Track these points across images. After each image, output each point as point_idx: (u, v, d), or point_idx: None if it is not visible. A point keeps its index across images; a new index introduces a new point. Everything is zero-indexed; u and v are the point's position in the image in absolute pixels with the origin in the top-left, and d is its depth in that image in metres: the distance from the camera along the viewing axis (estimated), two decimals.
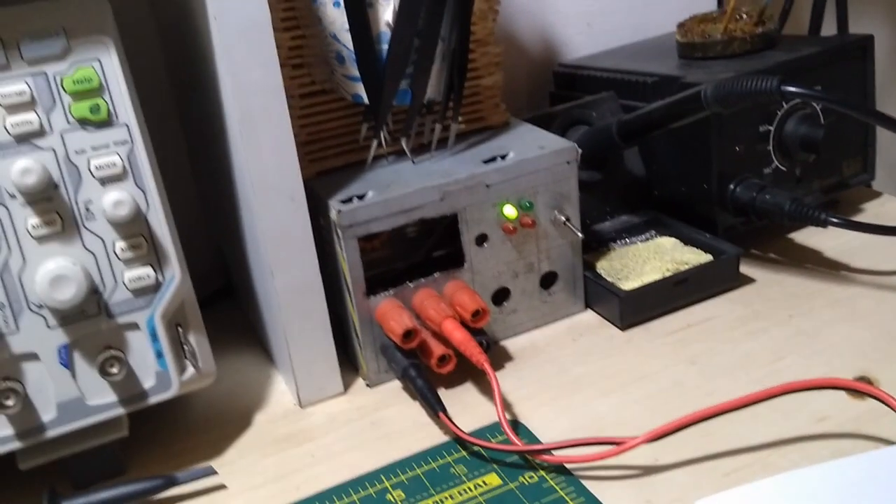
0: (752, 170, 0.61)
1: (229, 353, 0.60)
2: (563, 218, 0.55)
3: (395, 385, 0.54)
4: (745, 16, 0.66)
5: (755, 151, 0.61)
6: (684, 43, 0.67)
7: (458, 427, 0.46)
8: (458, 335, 0.49)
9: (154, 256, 0.44)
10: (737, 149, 0.60)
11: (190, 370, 0.46)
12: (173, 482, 0.45)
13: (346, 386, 0.54)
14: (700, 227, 0.62)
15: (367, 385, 0.54)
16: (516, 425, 0.48)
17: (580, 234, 0.54)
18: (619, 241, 0.63)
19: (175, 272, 0.45)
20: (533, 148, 0.55)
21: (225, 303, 0.67)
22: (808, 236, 0.64)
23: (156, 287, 0.44)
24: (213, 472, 0.46)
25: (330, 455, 0.48)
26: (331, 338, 0.52)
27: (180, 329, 0.46)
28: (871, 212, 0.67)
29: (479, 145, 0.57)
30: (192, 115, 0.60)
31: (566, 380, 0.52)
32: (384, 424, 0.50)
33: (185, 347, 0.46)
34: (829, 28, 0.71)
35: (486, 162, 0.53)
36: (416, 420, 0.50)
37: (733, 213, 0.61)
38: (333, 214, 0.49)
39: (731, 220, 0.62)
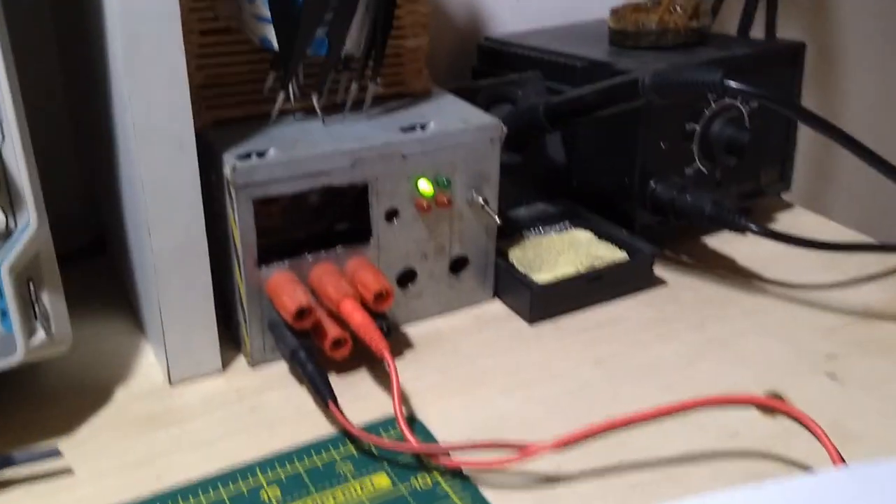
0: (674, 169, 0.59)
1: (94, 317, 0.53)
2: (480, 200, 0.51)
3: (282, 367, 0.49)
4: (679, 9, 0.63)
5: (679, 150, 0.59)
6: (617, 30, 0.64)
7: (347, 419, 0.42)
8: (358, 317, 0.45)
9: (5, 197, 0.37)
10: (662, 145, 0.58)
11: (40, 334, 0.40)
12: (8, 462, 0.38)
13: (226, 364, 0.48)
14: (617, 222, 0.59)
15: (250, 364, 0.48)
16: (413, 421, 0.44)
17: (497, 220, 0.50)
18: (533, 230, 0.60)
19: (30, 218, 0.38)
20: (455, 120, 0.50)
21: (95, 261, 0.59)
22: (723, 242, 0.63)
23: (5, 234, 0.38)
24: (57, 454, 0.39)
25: (199, 442, 0.42)
26: (212, 308, 0.46)
27: (32, 286, 0.39)
28: (785, 222, 0.67)
29: (397, 112, 0.52)
30: (71, 39, 0.53)
31: (469, 373, 0.48)
32: (265, 410, 0.45)
33: (37, 307, 0.39)
34: (755, 31, 0.70)
35: (403, 130, 0.49)
36: (301, 408, 0.45)
37: (651, 212, 0.59)
38: (227, 170, 0.44)
39: (649, 218, 0.59)
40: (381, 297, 0.47)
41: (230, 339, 0.50)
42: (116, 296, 0.55)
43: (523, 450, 0.39)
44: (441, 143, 0.49)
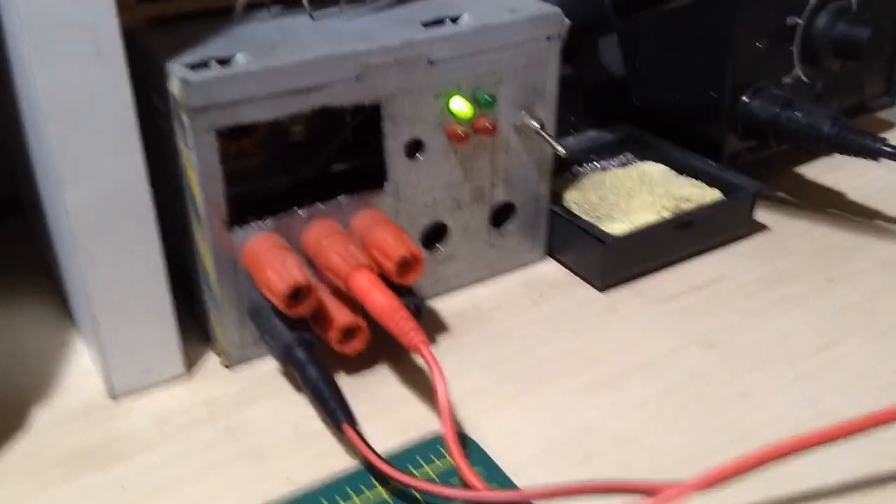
0: (770, 77, 0.45)
1: (6, 303, 0.39)
2: (535, 124, 0.36)
3: (267, 364, 0.35)
4: None
5: (777, 53, 0.45)
6: None
7: (371, 448, 0.28)
8: (378, 297, 0.31)
9: None
10: (758, 46, 0.44)
11: None
12: None
13: (190, 366, 0.34)
14: (696, 150, 0.45)
15: (224, 365, 0.35)
16: (463, 441, 0.30)
17: (561, 150, 0.36)
18: (587, 165, 0.46)
19: None
20: (498, 10, 0.36)
21: (10, 223, 0.45)
22: (821, 171, 0.49)
23: None
24: None
25: (154, 488, 0.29)
26: (164, 288, 0.32)
27: None
28: None
29: (414, 2, 0.37)
30: None
31: (528, 366, 0.35)
32: (249, 434, 0.31)
33: None
34: None
35: (427, 25, 0.34)
36: (300, 427, 0.32)
37: (744, 135, 0.45)
38: (176, 86, 0.29)
39: (739, 143, 0.46)
40: (405, 264, 0.33)
41: (194, 331, 0.36)
42: (38, 270, 0.41)
43: (652, 493, 0.25)
44: (481, 42, 0.34)
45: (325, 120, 0.35)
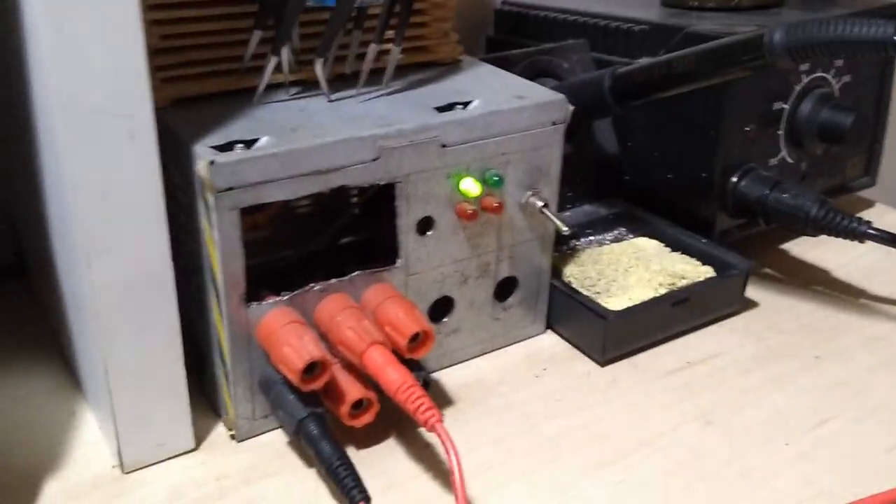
0: (758, 160, 0.47)
1: (10, 368, 0.39)
2: (540, 203, 0.38)
3: (276, 438, 0.35)
4: None
5: (764, 136, 0.47)
6: None
7: None
8: (393, 375, 0.31)
9: None
10: (747, 130, 0.46)
11: None
12: None
13: (199, 439, 0.35)
14: (686, 226, 0.47)
15: (233, 438, 0.35)
16: None
17: (565, 229, 0.38)
18: (583, 239, 0.47)
19: None
20: (505, 97, 0.37)
21: (12, 286, 0.45)
22: (806, 249, 0.51)
23: None
24: None
25: None
26: (181, 364, 0.32)
27: None
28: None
29: (425, 86, 0.39)
30: None
31: (534, 441, 0.35)
32: None
33: None
34: None
35: (440, 110, 0.36)
36: (312, 501, 0.32)
37: (732, 214, 0.47)
38: (201, 167, 0.30)
39: (728, 221, 0.47)
40: (416, 340, 0.34)
41: (203, 403, 0.36)
42: (42, 335, 0.41)
43: None
44: (490, 127, 0.36)
45: (335, 198, 0.35)
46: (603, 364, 0.40)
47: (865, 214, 0.56)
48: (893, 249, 0.45)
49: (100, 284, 0.29)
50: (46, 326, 0.42)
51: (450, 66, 0.41)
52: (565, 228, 0.38)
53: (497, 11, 0.57)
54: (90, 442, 0.35)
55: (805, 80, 0.47)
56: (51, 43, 0.26)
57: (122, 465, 0.33)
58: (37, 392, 0.37)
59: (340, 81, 0.37)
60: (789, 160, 0.49)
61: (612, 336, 0.39)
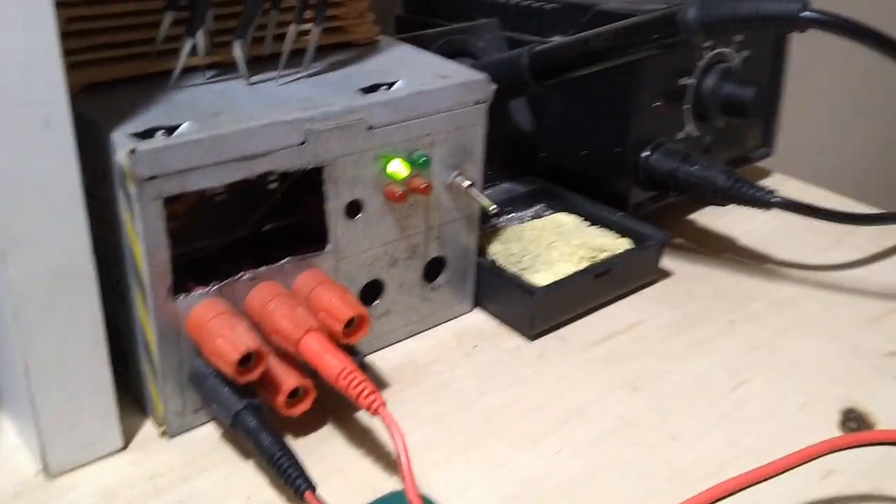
0: (666, 133, 0.49)
1: None
2: (466, 182, 0.38)
3: (208, 433, 0.34)
4: None
5: (672, 111, 0.49)
6: None
7: None
8: (332, 361, 0.31)
9: None
10: (655, 105, 0.47)
11: None
12: None
13: (127, 438, 0.33)
14: (601, 200, 0.48)
15: (164, 434, 0.34)
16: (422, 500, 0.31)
17: (493, 206, 0.38)
18: (503, 217, 0.48)
19: None
20: (429, 77, 0.37)
21: None
22: (713, 218, 0.53)
23: None
24: None
25: None
26: (105, 361, 0.31)
27: None
28: None
29: (346, 67, 0.38)
30: None
31: (471, 418, 0.36)
32: None
33: None
34: None
35: (364, 91, 0.35)
36: (252, 497, 0.31)
37: (645, 186, 0.48)
38: (122, 156, 0.29)
39: (641, 194, 0.49)
40: (351, 324, 0.33)
41: (125, 400, 0.35)
42: None
43: None
44: (415, 107, 0.36)
45: (247, 185, 0.35)
46: (531, 338, 0.41)
47: (764, 183, 0.59)
48: (794, 216, 0.47)
49: (17, 281, 0.28)
50: None
51: (368, 47, 0.41)
52: (493, 207, 0.38)
53: None
54: (9, 449, 0.33)
55: (708, 55, 0.49)
56: None
57: (47, 469, 0.31)
58: None
59: (257, 63, 0.36)
60: (695, 133, 0.50)
61: (539, 311, 0.40)
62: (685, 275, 0.47)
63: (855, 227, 0.52)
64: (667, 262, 0.47)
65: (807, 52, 0.72)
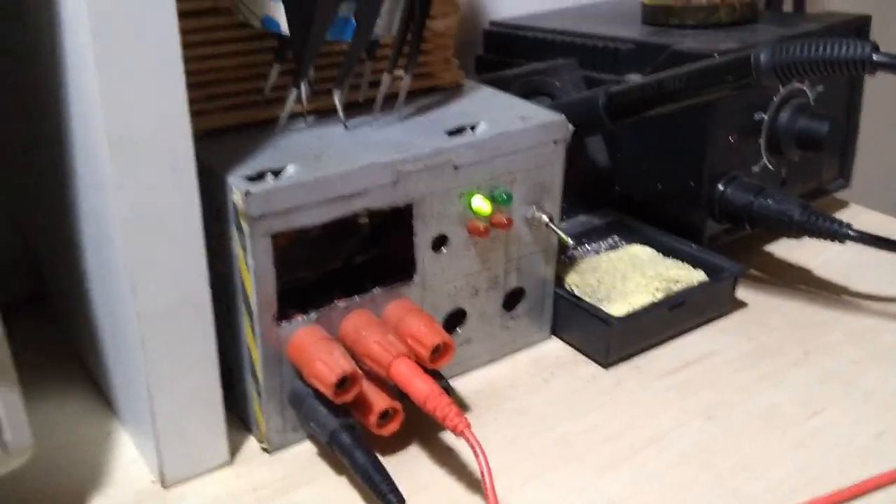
0: (741, 167, 0.50)
1: (43, 394, 0.40)
2: (545, 218, 0.40)
3: (305, 449, 0.37)
4: None
5: (746, 145, 0.50)
6: (655, 6, 0.54)
7: None
8: (421, 385, 0.33)
9: None
10: (730, 139, 0.49)
11: None
12: None
13: (232, 453, 0.36)
14: (675, 233, 0.50)
15: (265, 450, 0.37)
16: None
17: (570, 241, 0.40)
18: (580, 248, 0.50)
19: None
20: (510, 119, 0.40)
21: (30, 314, 0.46)
22: (789, 250, 0.54)
23: None
24: None
25: None
26: (217, 383, 0.34)
27: None
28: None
29: (433, 111, 0.41)
30: None
31: (549, 442, 0.38)
32: None
33: None
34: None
35: (450, 134, 0.38)
36: None
37: (720, 219, 0.50)
38: (237, 197, 0.32)
39: (716, 227, 0.50)
40: (437, 351, 0.36)
41: (231, 418, 0.38)
42: (67, 359, 0.43)
43: None
44: (497, 148, 0.38)
45: (351, 219, 0.37)
46: (607, 367, 0.43)
47: (841, 215, 0.60)
48: (870, 248, 0.48)
49: (144, 311, 0.31)
50: (71, 350, 0.43)
51: (453, 91, 0.43)
52: (570, 242, 0.40)
53: (486, 32, 0.59)
54: (129, 460, 0.36)
55: (782, 90, 0.50)
56: (100, 87, 0.27)
57: (163, 480, 0.34)
58: (71, 415, 0.39)
59: (353, 109, 0.39)
60: (770, 167, 0.52)
61: (615, 340, 0.42)
62: (760, 306, 0.48)
63: None
64: (741, 293, 0.49)
65: (884, 81, 0.72)
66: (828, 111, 0.53)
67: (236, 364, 0.36)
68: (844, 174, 0.58)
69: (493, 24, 0.59)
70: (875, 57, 0.34)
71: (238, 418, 0.38)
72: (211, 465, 0.35)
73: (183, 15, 0.33)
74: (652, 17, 0.55)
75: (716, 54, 0.45)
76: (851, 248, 0.52)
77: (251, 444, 0.37)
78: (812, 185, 0.56)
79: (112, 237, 0.31)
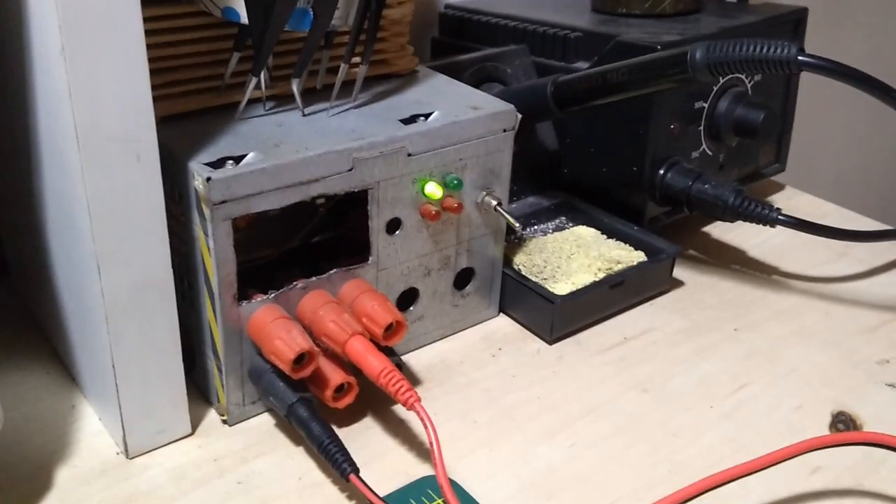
0: (681, 153, 0.53)
1: (7, 365, 0.42)
2: (494, 202, 0.42)
3: (263, 421, 0.39)
4: None
5: (687, 132, 0.53)
6: None
7: (378, 496, 0.33)
8: (374, 361, 0.36)
9: None
10: (672, 127, 0.51)
11: None
12: None
13: (194, 425, 0.38)
14: (619, 215, 0.52)
15: (225, 422, 0.39)
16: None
17: (518, 225, 0.42)
18: (528, 229, 0.52)
19: None
20: (462, 108, 0.41)
21: None
22: (724, 231, 0.57)
23: None
24: None
25: None
26: (179, 359, 0.36)
27: None
28: (781, 206, 0.61)
29: (388, 98, 0.42)
30: None
31: (495, 413, 0.40)
32: (258, 485, 0.35)
33: None
34: None
35: (405, 122, 0.40)
36: (305, 478, 0.36)
37: (661, 203, 0.52)
38: (198, 183, 0.33)
39: (656, 209, 0.53)
40: (391, 329, 0.38)
41: (195, 392, 0.39)
42: (29, 334, 0.44)
43: None
44: (449, 136, 0.40)
45: (307, 203, 0.39)
46: (551, 343, 0.45)
47: (777, 197, 0.63)
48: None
49: (109, 291, 0.32)
50: (34, 324, 0.44)
51: (408, 78, 0.45)
52: (517, 225, 0.42)
53: (441, 15, 0.61)
54: (93, 432, 0.38)
55: (721, 80, 0.53)
56: (67, 80, 0.29)
57: (126, 451, 0.36)
58: (36, 388, 0.40)
59: (310, 95, 0.41)
60: (709, 152, 0.54)
61: (559, 317, 0.44)
62: (695, 285, 0.51)
63: (857, 243, 0.55)
64: (679, 272, 0.51)
65: None
66: (764, 100, 0.56)
67: (198, 340, 0.38)
68: (780, 158, 0.61)
69: (448, 7, 0.61)
70: (800, 58, 0.37)
71: (200, 392, 0.40)
72: (173, 436, 0.37)
73: (145, 2, 0.35)
74: (601, 4, 0.57)
75: (658, 46, 0.47)
76: (785, 231, 0.55)
77: (212, 417, 0.39)
78: (749, 169, 0.59)
79: (78, 221, 0.32)
